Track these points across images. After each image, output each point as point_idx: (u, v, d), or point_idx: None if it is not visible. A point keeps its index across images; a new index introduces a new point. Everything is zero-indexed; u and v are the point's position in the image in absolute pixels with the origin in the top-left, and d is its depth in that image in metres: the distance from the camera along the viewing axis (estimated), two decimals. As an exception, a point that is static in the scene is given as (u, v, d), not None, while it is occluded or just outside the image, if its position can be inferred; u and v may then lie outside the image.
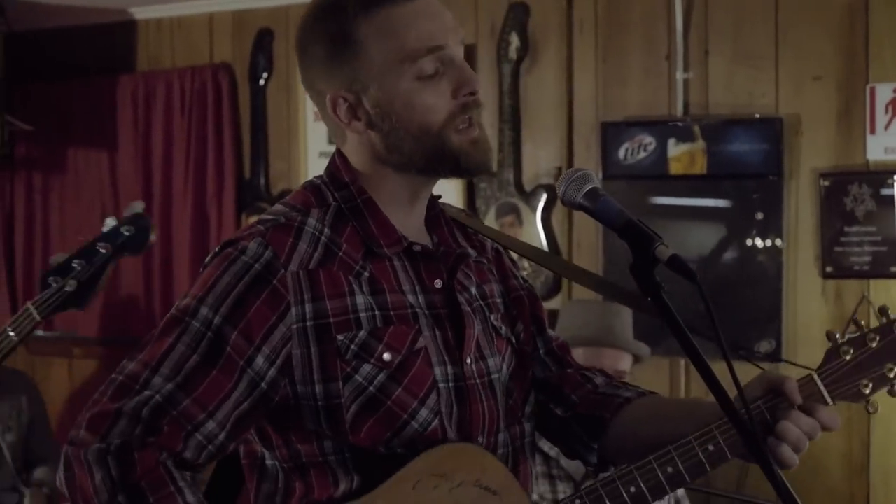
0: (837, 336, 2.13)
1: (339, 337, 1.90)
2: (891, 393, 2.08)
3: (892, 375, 2.06)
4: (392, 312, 1.94)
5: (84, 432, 1.83)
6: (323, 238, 1.95)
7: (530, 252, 2.33)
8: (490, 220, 4.79)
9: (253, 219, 4.96)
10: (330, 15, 1.94)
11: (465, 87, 1.92)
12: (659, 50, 4.55)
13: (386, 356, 1.92)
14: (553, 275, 4.64)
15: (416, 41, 1.89)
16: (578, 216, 4.59)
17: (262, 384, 1.88)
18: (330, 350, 1.90)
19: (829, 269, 4.15)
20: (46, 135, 6.01)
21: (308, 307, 1.89)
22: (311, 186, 2.04)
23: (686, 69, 4.47)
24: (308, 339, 1.89)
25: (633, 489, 2.01)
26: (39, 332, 6.02)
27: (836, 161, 4.20)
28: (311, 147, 5.34)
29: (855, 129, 4.17)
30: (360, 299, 1.93)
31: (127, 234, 3.33)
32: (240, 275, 1.88)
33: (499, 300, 2.15)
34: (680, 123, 4.43)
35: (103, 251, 3.31)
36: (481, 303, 2.09)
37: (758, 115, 4.30)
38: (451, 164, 1.96)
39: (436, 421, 1.94)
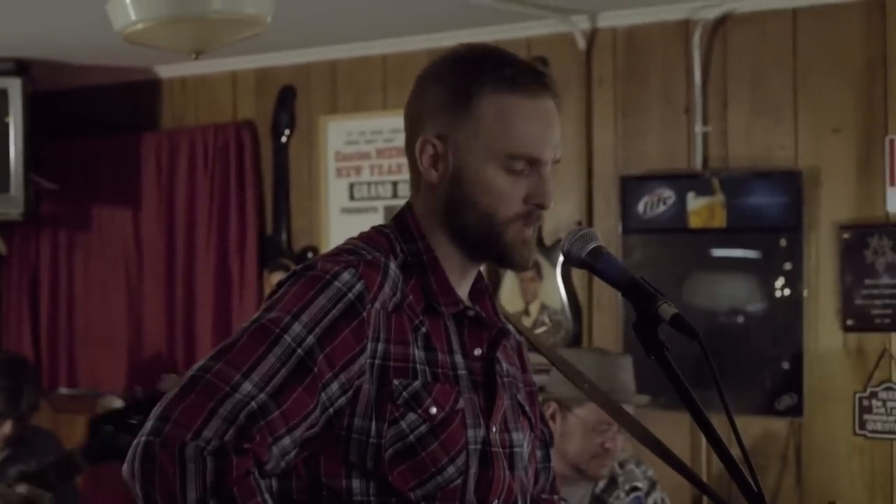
0: None
1: (395, 381, 1.95)
2: None
3: None
4: (440, 370, 2.00)
5: (173, 426, 1.80)
6: (400, 284, 2.00)
7: (549, 352, 2.41)
8: (510, 276, 4.79)
9: (276, 275, 5.02)
10: (465, 69, 2.01)
11: (539, 199, 1.99)
12: (678, 103, 4.55)
13: (433, 410, 1.97)
14: (573, 328, 4.63)
15: (520, 143, 1.97)
16: (598, 270, 4.58)
17: (330, 410, 1.91)
18: (385, 391, 1.95)
19: (850, 322, 4.12)
20: (71, 193, 6.07)
21: (381, 346, 1.95)
22: (382, 234, 2.08)
23: (705, 122, 4.48)
24: (374, 376, 1.94)
25: None
26: (63, 390, 6.05)
27: (856, 213, 4.18)
28: (332, 204, 5.36)
29: (874, 181, 4.16)
30: (416, 353, 1.99)
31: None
32: (335, 300, 1.92)
33: (520, 384, 2.21)
34: (699, 177, 4.42)
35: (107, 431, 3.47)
36: (511, 379, 2.15)
37: (777, 168, 4.30)
38: (497, 252, 2.04)
39: (459, 479, 1.99)
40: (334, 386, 1.90)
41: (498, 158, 1.98)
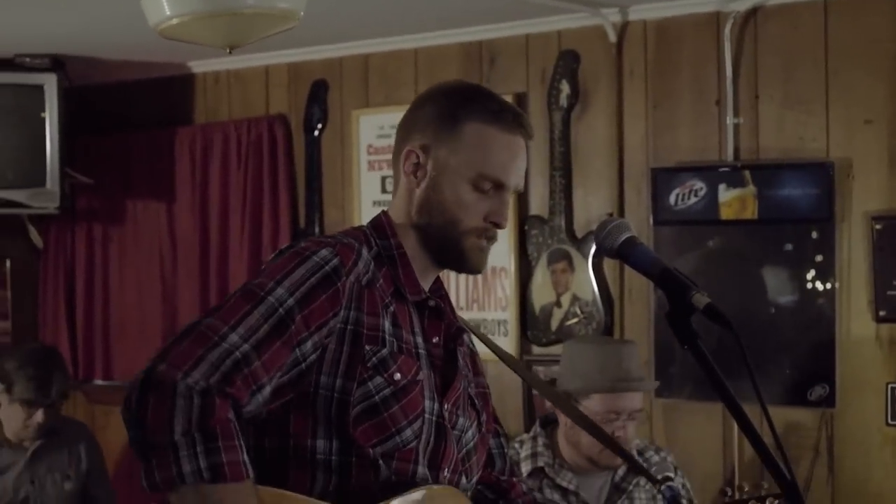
0: None
1: (367, 346, 2.23)
2: None
3: None
4: (404, 345, 2.28)
5: (166, 366, 2.04)
6: (372, 266, 2.29)
7: (504, 354, 2.76)
8: (542, 267, 4.81)
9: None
10: (458, 96, 2.35)
11: (496, 218, 2.31)
12: (709, 95, 4.56)
13: (397, 376, 2.24)
14: (605, 319, 4.65)
15: (492, 167, 2.29)
16: (630, 262, 4.60)
17: (303, 365, 2.17)
18: (357, 354, 2.22)
19: (882, 313, 4.12)
20: (106, 187, 6.12)
21: (353, 314, 2.23)
22: (359, 230, 2.39)
23: (736, 114, 4.48)
24: (344, 339, 2.21)
25: None
26: (99, 381, 6.10)
27: (889, 204, 4.18)
28: (364, 196, 5.39)
29: (907, 171, 4.16)
30: (386, 324, 2.27)
31: None
32: (313, 270, 2.20)
33: (472, 384, 2.49)
34: (730, 168, 4.43)
35: None
36: (466, 373, 2.46)
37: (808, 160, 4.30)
38: (455, 255, 2.34)
39: (414, 442, 2.26)
40: (308, 344, 2.16)
41: (470, 176, 2.28)
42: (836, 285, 4.21)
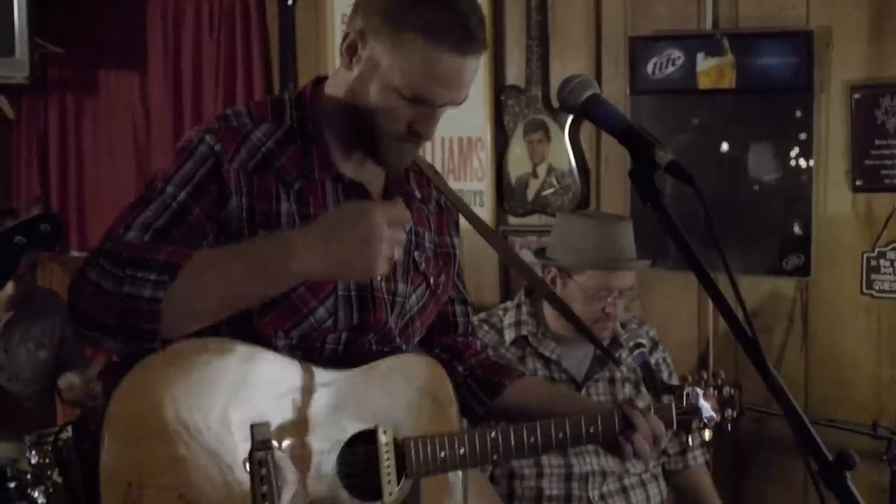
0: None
1: (261, 231, 2.19)
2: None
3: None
4: (311, 223, 2.17)
5: (75, 275, 2.07)
6: (263, 150, 2.24)
7: (474, 218, 2.64)
8: (518, 138, 4.76)
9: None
10: (409, 1, 2.15)
11: (420, 128, 2.23)
12: (688, -39, 4.48)
13: None
14: (581, 190, 4.62)
15: (424, 87, 2.16)
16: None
17: None
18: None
19: (859, 183, 4.10)
20: (77, 58, 6.02)
21: (244, 200, 2.20)
22: (276, 101, 2.34)
23: (716, -19, 4.40)
24: (242, 227, 2.19)
25: (532, 440, 2.47)
26: (74, 252, 6.07)
27: (868, 74, 4.13)
28: (338, 66, 5.30)
29: (887, 41, 4.09)
30: (284, 206, 2.22)
31: (43, 231, 3.40)
32: (199, 162, 2.19)
33: (427, 245, 2.47)
34: (709, 37, 4.36)
35: (18, 242, 3.40)
36: (415, 237, 2.43)
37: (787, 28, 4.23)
38: (371, 150, 2.28)
39: (330, 320, 2.26)
40: (211, 237, 2.16)
41: (398, 86, 2.16)
42: (814, 155, 4.17)
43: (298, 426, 2.20)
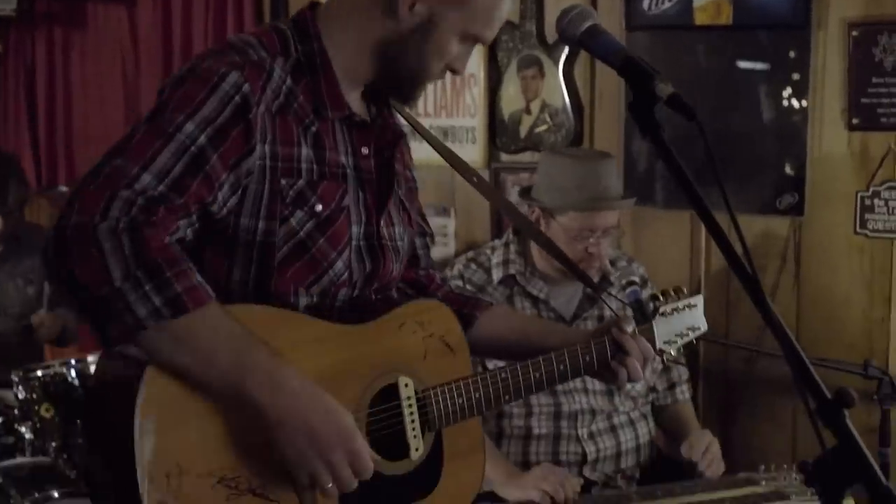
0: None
1: (283, 181, 2.10)
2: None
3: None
4: (327, 169, 2.17)
5: (78, 215, 1.88)
6: (284, 87, 2.14)
7: (453, 157, 2.63)
8: (511, 73, 4.71)
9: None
10: None
11: (458, 66, 2.28)
12: None
13: (318, 207, 2.14)
14: (574, 127, 4.57)
15: (485, 27, 2.24)
16: (601, 68, 4.50)
17: (224, 210, 2.06)
18: (275, 191, 2.09)
19: (855, 121, 4.06)
20: (65, -11, 5.96)
21: (268, 148, 2.08)
22: (277, 31, 2.22)
23: (713, -85, 4.33)
24: (264, 177, 2.08)
25: (537, 375, 2.46)
26: (62, 188, 6.04)
27: (866, 11, 4.07)
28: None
29: (886, -24, 4.04)
30: (304, 151, 2.14)
31: None
32: (224, 101, 2.02)
33: (403, 181, 2.44)
34: (706, -28, 4.30)
35: None
36: (399, 177, 2.39)
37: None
38: (405, 89, 2.27)
39: (346, 273, 2.21)
40: (226, 187, 2.03)
41: (463, 33, 2.21)
42: (810, 93, 4.13)
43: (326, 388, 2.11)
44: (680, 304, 2.67)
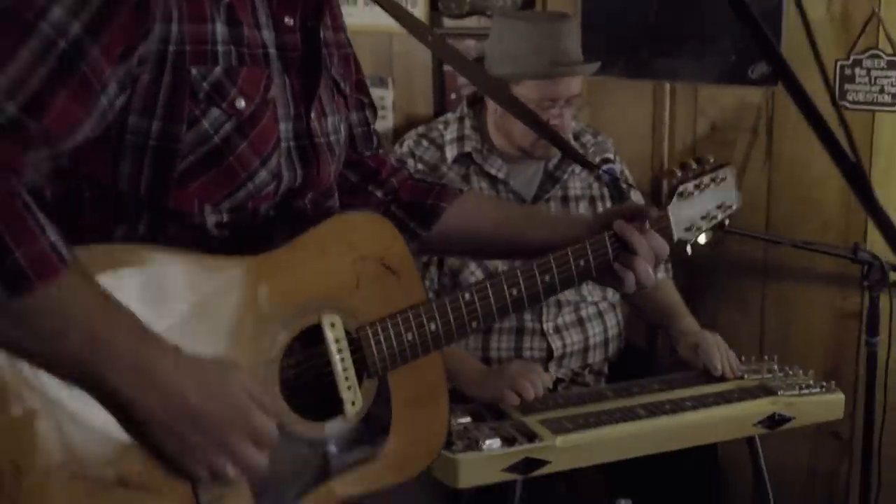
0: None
1: (194, 70, 1.63)
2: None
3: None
4: (247, 51, 1.71)
5: None
6: None
7: (405, 17, 2.15)
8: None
9: None
10: None
11: None
12: None
13: (240, 103, 1.69)
14: (526, -10, 4.19)
15: None
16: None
17: (109, 115, 1.57)
18: (182, 84, 1.63)
19: (834, -20, 3.74)
20: None
21: (174, 27, 1.59)
22: None
23: None
24: (164, 66, 1.61)
25: (514, 292, 2.01)
26: None
27: None
28: None
29: None
30: (219, 28, 1.67)
31: None
32: None
33: (335, 51, 1.95)
34: None
35: None
36: (327, 50, 1.89)
37: None
38: None
39: (272, 184, 1.77)
40: (112, 87, 1.54)
41: None
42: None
43: (211, 344, 1.69)
44: (706, 180, 2.22)
